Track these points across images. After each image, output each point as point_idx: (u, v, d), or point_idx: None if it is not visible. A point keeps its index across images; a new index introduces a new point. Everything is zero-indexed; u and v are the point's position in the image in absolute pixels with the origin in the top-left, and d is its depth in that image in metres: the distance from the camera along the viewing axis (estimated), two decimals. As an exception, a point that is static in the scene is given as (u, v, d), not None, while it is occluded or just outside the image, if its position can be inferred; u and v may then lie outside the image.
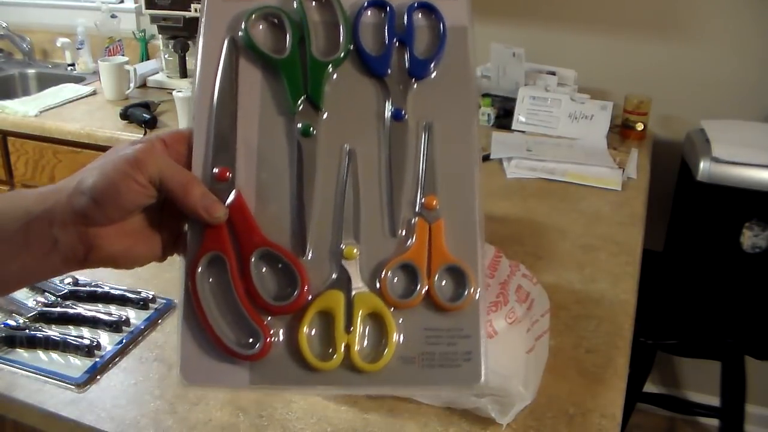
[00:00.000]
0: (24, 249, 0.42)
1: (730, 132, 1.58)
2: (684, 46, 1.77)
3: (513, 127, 1.71)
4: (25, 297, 0.90)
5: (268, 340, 0.44)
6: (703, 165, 1.48)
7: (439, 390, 0.46)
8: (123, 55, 2.24)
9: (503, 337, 0.71)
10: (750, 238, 1.50)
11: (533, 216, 1.24)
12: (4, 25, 2.40)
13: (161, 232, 0.46)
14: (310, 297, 0.45)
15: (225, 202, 0.45)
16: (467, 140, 0.48)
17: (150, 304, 0.89)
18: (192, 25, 2.02)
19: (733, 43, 1.72)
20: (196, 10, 1.96)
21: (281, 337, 0.45)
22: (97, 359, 0.78)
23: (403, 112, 0.47)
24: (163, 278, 0.97)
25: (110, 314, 0.86)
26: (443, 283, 0.46)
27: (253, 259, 0.45)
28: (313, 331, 0.45)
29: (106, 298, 0.90)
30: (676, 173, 1.71)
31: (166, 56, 2.11)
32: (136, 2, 2.35)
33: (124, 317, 0.85)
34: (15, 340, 0.80)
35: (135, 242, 0.45)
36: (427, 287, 0.46)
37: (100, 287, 0.92)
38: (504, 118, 1.74)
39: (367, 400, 0.73)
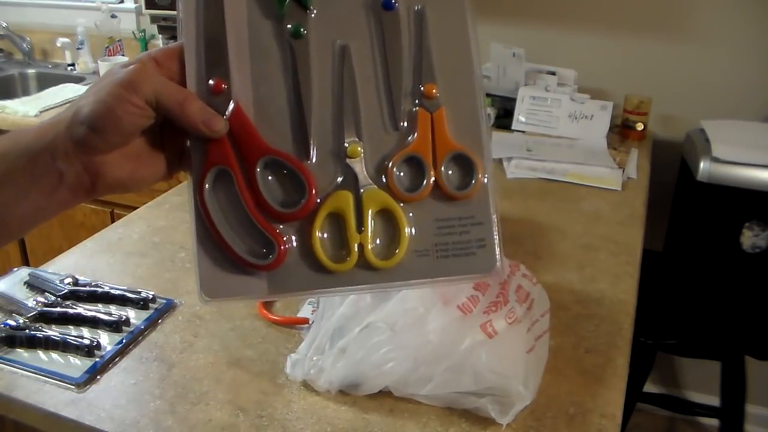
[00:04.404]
0: (31, 187, 0.42)
1: (730, 132, 1.58)
2: (684, 46, 1.77)
3: (513, 127, 1.71)
4: (25, 297, 0.90)
5: (282, 248, 0.44)
6: (703, 165, 1.48)
7: (456, 280, 0.46)
8: (123, 55, 2.24)
9: (503, 337, 0.71)
10: (750, 238, 1.50)
11: (533, 216, 1.24)
12: (4, 25, 2.40)
13: (164, 151, 0.46)
14: (318, 200, 0.45)
15: (224, 115, 0.44)
16: (461, 22, 0.47)
17: (150, 304, 0.89)
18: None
19: (733, 43, 1.72)
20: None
21: (294, 244, 0.45)
22: (97, 359, 0.78)
23: (393, 1, 0.46)
24: (163, 278, 0.97)
25: (110, 314, 0.86)
26: (450, 172, 0.46)
27: (258, 169, 0.45)
28: (326, 234, 0.45)
29: (106, 298, 0.90)
30: (676, 173, 1.71)
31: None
32: (136, 2, 2.35)
33: (124, 317, 0.85)
34: (15, 340, 0.80)
35: (139, 165, 0.45)
36: (434, 178, 0.45)
37: (100, 287, 0.92)
38: (504, 118, 1.74)
39: (367, 399, 0.73)
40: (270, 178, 0.45)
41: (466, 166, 0.46)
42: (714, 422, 1.91)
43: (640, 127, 1.70)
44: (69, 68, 2.36)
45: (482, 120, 0.46)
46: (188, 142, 0.45)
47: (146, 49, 2.31)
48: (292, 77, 0.46)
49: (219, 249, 0.45)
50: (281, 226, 0.45)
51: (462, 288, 0.72)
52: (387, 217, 0.46)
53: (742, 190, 1.46)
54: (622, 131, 1.72)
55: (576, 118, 1.68)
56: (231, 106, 0.45)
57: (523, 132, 1.69)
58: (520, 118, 1.71)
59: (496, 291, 0.73)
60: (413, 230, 0.45)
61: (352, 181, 0.45)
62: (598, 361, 0.81)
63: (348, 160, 0.45)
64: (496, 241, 0.46)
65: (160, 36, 2.12)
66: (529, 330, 0.74)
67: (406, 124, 0.46)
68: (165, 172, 0.47)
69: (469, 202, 0.46)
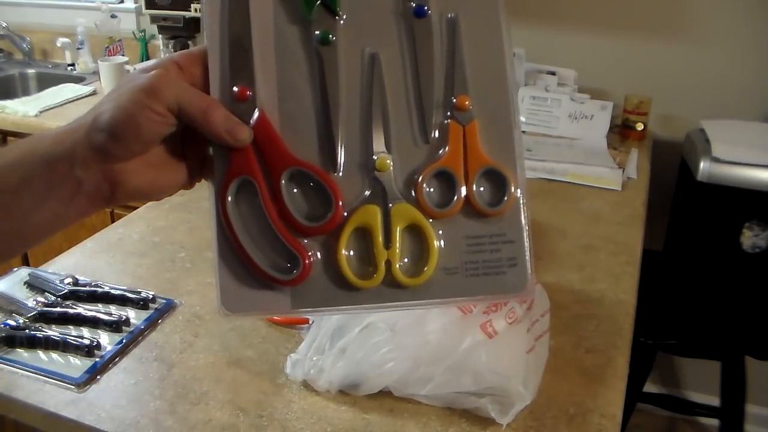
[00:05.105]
0: (49, 194, 0.41)
1: (730, 132, 1.58)
2: (684, 46, 1.77)
3: (513, 127, 1.71)
4: (25, 297, 0.90)
5: (306, 262, 0.43)
6: (703, 165, 1.48)
7: (485, 299, 0.45)
8: (123, 55, 2.24)
9: (503, 337, 0.71)
10: (750, 238, 1.50)
11: (533, 216, 1.23)
12: (4, 25, 2.40)
13: (185, 159, 0.45)
14: (345, 214, 0.43)
15: (248, 123, 0.43)
16: (495, 32, 0.45)
17: (150, 304, 0.89)
18: (192, 25, 2.02)
19: (733, 43, 1.72)
20: (196, 10, 1.96)
21: (319, 258, 0.44)
22: (97, 359, 0.78)
23: (425, 8, 0.44)
24: (163, 278, 0.97)
25: (110, 314, 0.86)
26: (482, 188, 0.44)
27: (283, 180, 0.43)
28: (352, 250, 0.44)
29: (106, 298, 0.90)
30: (676, 173, 1.71)
31: (166, 56, 2.11)
32: (136, 2, 2.35)
33: (124, 317, 0.85)
34: (15, 340, 0.80)
35: (160, 173, 0.43)
36: (465, 193, 0.44)
37: (100, 287, 0.92)
38: (504, 118, 1.74)
39: (367, 399, 0.73)
40: (295, 190, 0.44)
41: (498, 181, 0.44)
42: (714, 422, 1.91)
43: (640, 127, 1.70)
44: (69, 68, 2.36)
45: (516, 133, 0.45)
46: (211, 150, 0.44)
47: (146, 50, 2.31)
48: (320, 85, 0.44)
49: (241, 262, 0.43)
50: (306, 240, 0.43)
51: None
52: (416, 233, 0.44)
53: (742, 190, 1.46)
54: (622, 131, 1.72)
55: (576, 118, 1.68)
56: (256, 114, 0.43)
57: (523, 132, 1.69)
58: (520, 118, 1.71)
59: (496, 291, 0.73)
60: (443, 247, 0.44)
61: (380, 195, 0.44)
62: (598, 361, 0.81)
63: (376, 173, 0.44)
64: (528, 260, 0.44)
65: (160, 36, 2.12)
66: (529, 330, 0.74)
67: (437, 136, 0.44)
68: (186, 181, 0.45)
69: (501, 219, 0.44)
